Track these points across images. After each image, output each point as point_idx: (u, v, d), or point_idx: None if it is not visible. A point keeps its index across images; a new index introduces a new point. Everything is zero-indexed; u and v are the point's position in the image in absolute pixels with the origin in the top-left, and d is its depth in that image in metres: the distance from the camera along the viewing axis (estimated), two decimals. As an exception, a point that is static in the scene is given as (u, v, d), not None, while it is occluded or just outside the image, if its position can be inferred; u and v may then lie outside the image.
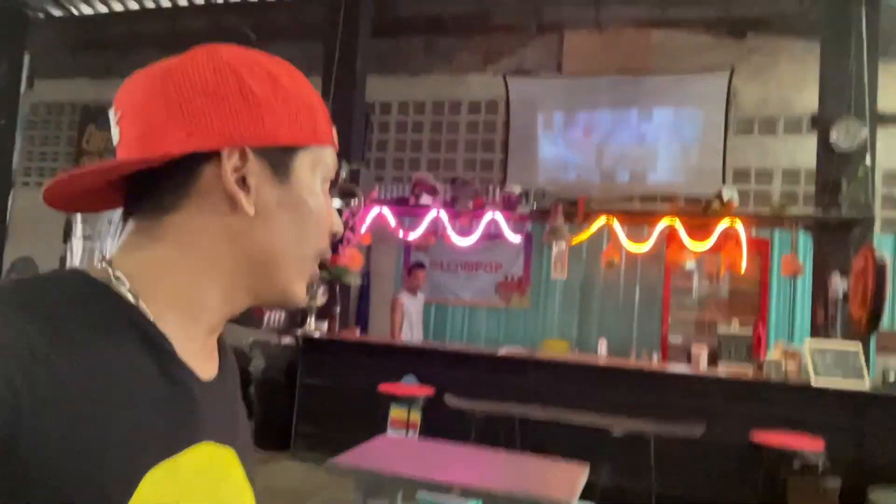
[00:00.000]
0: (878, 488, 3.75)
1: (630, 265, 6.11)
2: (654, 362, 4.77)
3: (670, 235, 5.13)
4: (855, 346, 4.07)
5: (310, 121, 0.63)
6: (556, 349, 5.78)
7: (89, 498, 0.48)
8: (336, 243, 4.90)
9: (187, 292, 0.60)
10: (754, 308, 5.71)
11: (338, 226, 0.69)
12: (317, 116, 0.64)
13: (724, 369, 4.37)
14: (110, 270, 0.57)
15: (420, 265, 5.77)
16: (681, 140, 6.39)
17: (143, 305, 0.57)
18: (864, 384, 3.98)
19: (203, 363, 0.62)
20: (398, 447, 3.30)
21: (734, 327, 4.50)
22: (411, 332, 5.41)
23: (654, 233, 4.98)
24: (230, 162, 0.59)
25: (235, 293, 0.63)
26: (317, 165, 0.65)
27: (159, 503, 0.52)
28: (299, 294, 0.66)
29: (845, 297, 4.39)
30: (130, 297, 0.57)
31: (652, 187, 6.32)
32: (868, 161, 4.56)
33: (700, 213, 4.84)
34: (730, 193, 4.70)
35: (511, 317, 6.84)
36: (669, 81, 6.41)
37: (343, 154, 5.44)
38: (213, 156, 0.59)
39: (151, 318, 0.57)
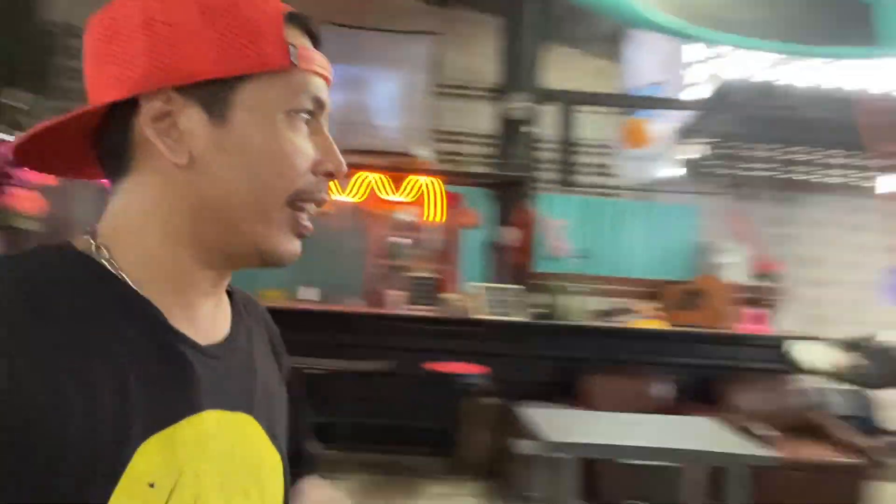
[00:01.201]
0: (526, 404, 4.58)
1: (350, 215, 6.39)
2: (356, 306, 5.12)
3: (374, 188, 5.46)
4: (516, 287, 4.86)
5: (249, 45, 0.54)
6: (271, 298, 5.83)
7: (77, 474, 0.45)
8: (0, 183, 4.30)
9: (159, 257, 0.56)
10: (450, 255, 6.43)
11: (331, 163, 0.59)
12: (261, 38, 0.55)
13: (410, 309, 4.91)
14: (91, 241, 0.54)
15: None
16: (392, 99, 6.77)
17: (123, 275, 0.54)
18: (523, 317, 4.79)
19: (204, 327, 0.58)
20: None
21: (423, 272, 5.06)
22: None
23: (356, 185, 5.27)
24: (152, 108, 0.53)
25: (207, 254, 0.57)
26: (270, 96, 0.56)
27: (155, 475, 0.49)
28: (279, 248, 0.58)
29: (514, 245, 5.19)
30: (111, 268, 0.53)
31: (366, 142, 6.61)
32: (534, 129, 5.39)
33: (396, 169, 5.25)
34: (423, 151, 5.18)
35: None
36: (381, 40, 6.70)
37: (7, 80, 4.71)
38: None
39: (134, 286, 0.53)
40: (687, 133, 6.57)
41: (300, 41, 0.58)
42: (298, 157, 0.57)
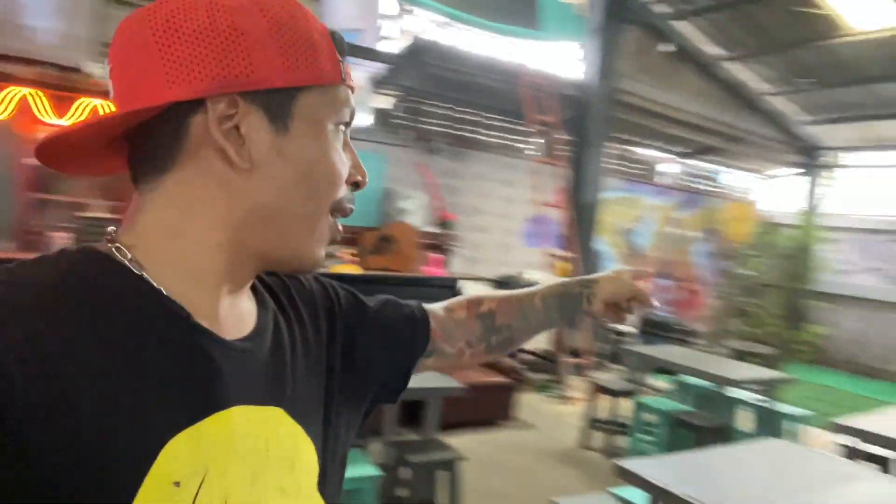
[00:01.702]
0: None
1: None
2: (3, 251, 4.22)
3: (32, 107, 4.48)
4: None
5: (310, 58, 0.56)
6: None
7: (98, 474, 0.45)
8: None
9: (190, 256, 0.55)
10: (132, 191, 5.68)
11: (359, 175, 0.62)
12: (319, 52, 0.57)
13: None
14: (113, 243, 0.55)
15: None
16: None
17: (146, 274, 0.54)
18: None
19: (230, 323, 0.58)
20: None
21: (96, 210, 4.40)
22: None
23: (4, 100, 4.26)
24: (217, 110, 0.53)
25: (241, 256, 0.57)
26: (323, 108, 0.57)
27: (181, 473, 0.49)
28: (315, 255, 0.60)
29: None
30: (133, 268, 0.53)
31: (16, 47, 5.31)
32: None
33: (60, 87, 4.39)
34: (93, 68, 4.40)
35: None
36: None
37: None
38: (201, 105, 0.53)
39: (157, 285, 0.53)
40: (378, 84, 6.85)
41: (340, 58, 0.59)
42: (342, 167, 0.59)
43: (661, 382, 5.86)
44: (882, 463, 3.49)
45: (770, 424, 4.63)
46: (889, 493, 2.37)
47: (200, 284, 0.56)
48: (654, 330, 7.50)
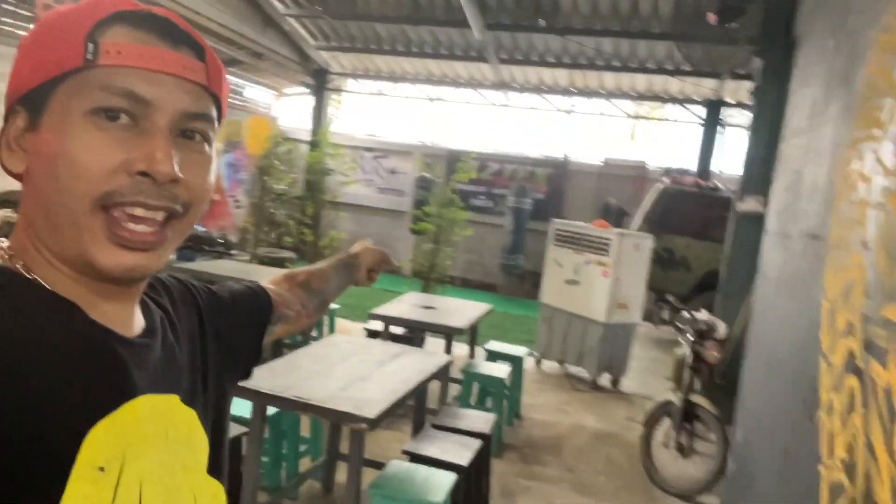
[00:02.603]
0: None
1: None
2: None
3: None
4: None
5: (54, 49, 0.55)
6: None
7: (30, 466, 0.48)
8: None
9: (49, 262, 0.57)
10: None
11: (143, 163, 0.54)
12: (65, 40, 0.54)
13: None
14: (4, 252, 0.57)
15: None
16: None
17: (37, 277, 0.56)
18: None
19: (125, 322, 0.61)
20: None
21: None
22: None
23: None
24: (11, 123, 0.57)
25: (64, 262, 0.57)
26: (73, 97, 0.54)
27: (104, 458, 0.52)
28: (98, 258, 0.55)
29: None
30: (24, 272, 0.56)
31: None
32: None
33: None
34: None
35: None
36: None
37: None
38: None
39: (50, 287, 0.56)
40: None
41: (125, 38, 0.55)
42: (92, 158, 0.54)
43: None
44: (400, 339, 4.57)
45: (312, 321, 5.35)
46: (423, 360, 3.23)
47: (76, 286, 0.58)
48: (195, 245, 7.50)
